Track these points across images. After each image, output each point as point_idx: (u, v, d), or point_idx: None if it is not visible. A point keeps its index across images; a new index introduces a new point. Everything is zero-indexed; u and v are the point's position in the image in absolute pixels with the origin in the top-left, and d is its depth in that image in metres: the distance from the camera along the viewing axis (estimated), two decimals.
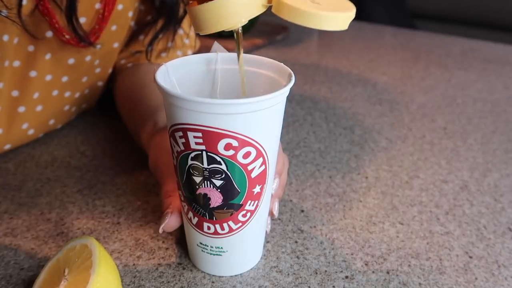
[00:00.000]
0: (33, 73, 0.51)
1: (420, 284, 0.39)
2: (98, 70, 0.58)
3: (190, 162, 0.34)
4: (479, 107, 0.73)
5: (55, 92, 0.54)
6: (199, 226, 0.37)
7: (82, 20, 0.50)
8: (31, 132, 0.55)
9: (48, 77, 0.52)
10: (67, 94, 0.56)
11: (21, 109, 0.52)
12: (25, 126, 0.54)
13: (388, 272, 0.40)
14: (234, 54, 0.38)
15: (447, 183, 0.53)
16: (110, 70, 0.61)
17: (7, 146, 0.54)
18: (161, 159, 0.43)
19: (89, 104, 0.64)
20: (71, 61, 0.53)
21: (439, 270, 0.40)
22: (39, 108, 0.54)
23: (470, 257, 0.42)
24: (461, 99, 0.76)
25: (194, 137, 0.32)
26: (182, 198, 0.37)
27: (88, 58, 0.55)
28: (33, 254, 0.41)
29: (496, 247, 0.43)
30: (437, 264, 0.41)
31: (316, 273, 0.39)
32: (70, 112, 0.60)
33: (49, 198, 0.48)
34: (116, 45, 0.57)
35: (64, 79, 0.54)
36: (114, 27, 0.54)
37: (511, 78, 0.86)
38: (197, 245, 0.38)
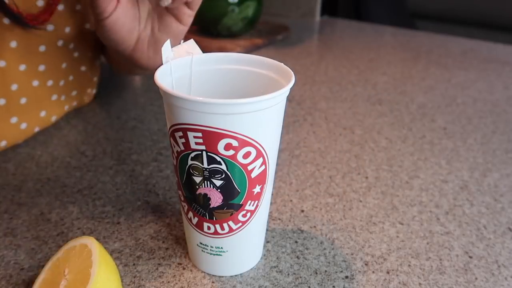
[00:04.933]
0: (1, 63, 0.50)
1: (420, 284, 0.39)
2: (76, 54, 0.58)
3: (190, 162, 0.34)
4: (479, 107, 0.73)
5: (35, 83, 0.54)
6: (199, 226, 0.37)
7: (40, 3, 0.50)
8: (23, 126, 0.55)
9: (22, 67, 0.52)
10: (49, 83, 0.56)
11: (1, 101, 0.52)
12: (14, 120, 0.54)
13: (388, 272, 0.40)
14: (236, 54, 0.38)
15: (447, 183, 0.53)
16: (90, 54, 0.61)
17: (3, 143, 0.54)
18: None
19: (80, 92, 0.63)
20: (42, 48, 0.53)
21: (439, 270, 0.40)
22: (23, 100, 0.53)
23: (470, 257, 0.42)
24: (461, 99, 0.76)
25: (194, 137, 0.32)
26: (182, 198, 0.37)
27: (60, 43, 0.55)
28: (33, 254, 0.41)
29: (496, 247, 0.43)
30: (437, 264, 0.41)
31: (316, 273, 0.39)
32: (60, 101, 0.60)
33: (49, 198, 0.48)
34: (87, 26, 0.57)
35: (41, 68, 0.54)
36: (61, 7, 0.54)
37: (511, 78, 0.86)
38: (197, 245, 0.38)
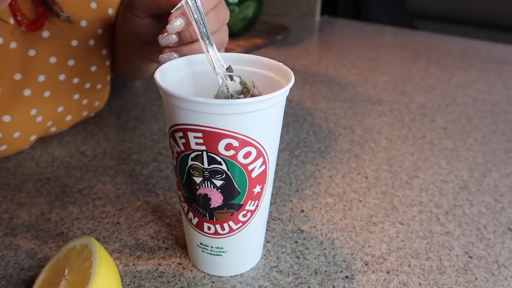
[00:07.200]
0: (32, 52, 0.50)
1: (420, 284, 0.39)
2: (107, 63, 0.58)
3: (190, 162, 0.34)
4: (479, 107, 0.73)
5: (62, 77, 0.53)
6: (199, 226, 0.37)
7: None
8: (39, 119, 0.54)
9: (52, 59, 0.52)
10: (75, 80, 0.55)
11: (27, 92, 0.51)
12: (33, 112, 0.53)
13: (388, 272, 0.40)
14: (236, 54, 0.38)
15: (447, 183, 0.53)
16: (109, 63, 0.60)
17: (16, 134, 0.53)
18: None
19: (100, 104, 0.62)
20: (74, 42, 0.53)
21: (439, 270, 0.40)
22: (47, 93, 0.53)
23: (470, 257, 0.42)
24: (461, 99, 0.76)
25: (195, 137, 0.32)
26: (182, 199, 0.37)
27: (91, 42, 0.54)
28: (33, 254, 0.41)
29: (496, 247, 0.43)
30: (437, 264, 0.41)
31: (316, 273, 0.39)
32: (81, 104, 0.58)
33: (49, 198, 0.48)
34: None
35: (71, 62, 0.54)
36: (94, 5, 0.53)
37: (511, 78, 0.86)
38: (197, 245, 0.38)
